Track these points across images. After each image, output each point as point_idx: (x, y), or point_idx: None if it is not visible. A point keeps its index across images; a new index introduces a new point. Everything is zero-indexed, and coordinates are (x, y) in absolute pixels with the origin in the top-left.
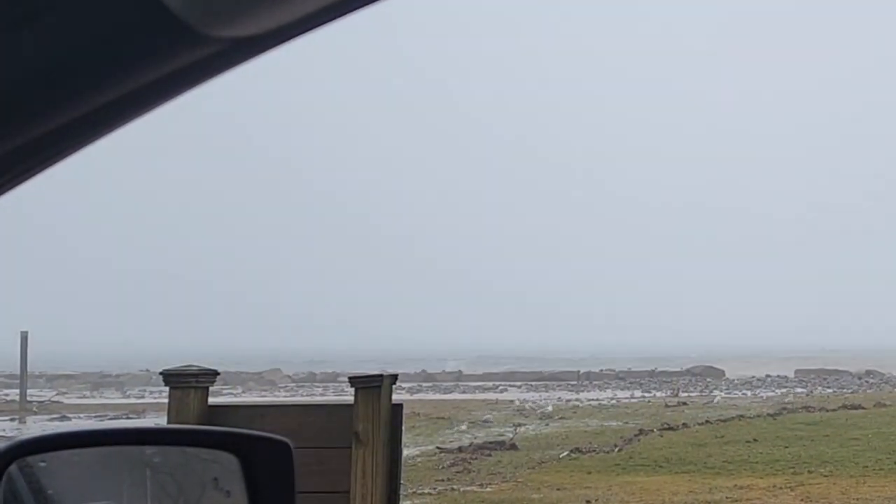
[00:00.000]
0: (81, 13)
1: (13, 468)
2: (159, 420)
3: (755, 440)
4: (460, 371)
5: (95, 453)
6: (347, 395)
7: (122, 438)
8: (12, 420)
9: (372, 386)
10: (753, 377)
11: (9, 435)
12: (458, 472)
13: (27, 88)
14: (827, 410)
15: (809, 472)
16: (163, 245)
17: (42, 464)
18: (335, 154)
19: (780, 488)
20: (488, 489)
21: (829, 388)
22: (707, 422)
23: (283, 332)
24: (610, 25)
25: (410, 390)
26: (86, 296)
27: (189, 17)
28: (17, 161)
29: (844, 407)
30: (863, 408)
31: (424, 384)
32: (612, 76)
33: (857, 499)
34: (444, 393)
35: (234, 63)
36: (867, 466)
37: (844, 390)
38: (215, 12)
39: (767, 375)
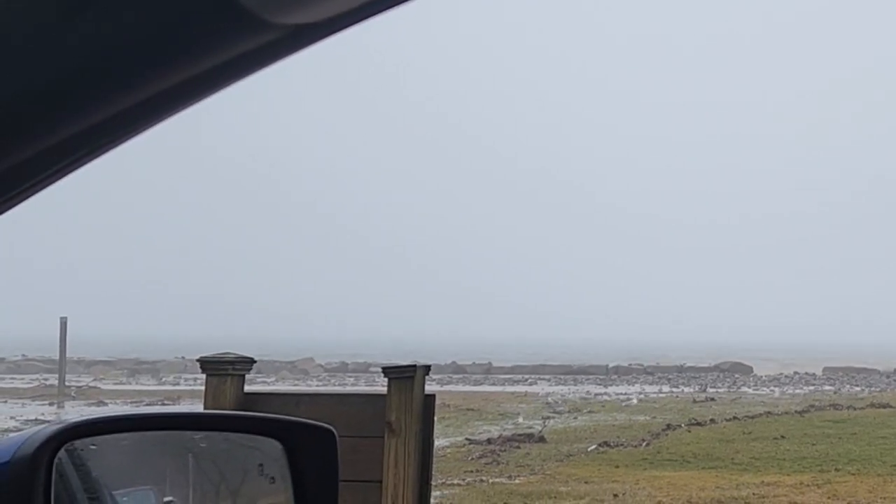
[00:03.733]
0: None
1: (60, 451)
2: (195, 407)
3: (783, 437)
4: (490, 363)
5: (140, 437)
6: (379, 386)
7: (169, 423)
8: (51, 405)
9: (405, 376)
10: (781, 374)
11: (49, 420)
12: (487, 464)
13: (87, 75)
14: (855, 408)
15: (837, 469)
16: (200, 238)
17: (93, 447)
18: (371, 163)
19: (807, 486)
20: (517, 481)
21: (857, 385)
22: (735, 418)
23: (315, 322)
24: (599, 36)
25: (441, 381)
26: (124, 285)
27: (250, 3)
28: (77, 146)
29: (872, 405)
30: (891, 406)
31: (455, 376)
32: (610, 88)
33: (885, 497)
34: (474, 385)
35: (293, 50)
36: (894, 465)
37: (872, 388)
38: None
39: (795, 372)
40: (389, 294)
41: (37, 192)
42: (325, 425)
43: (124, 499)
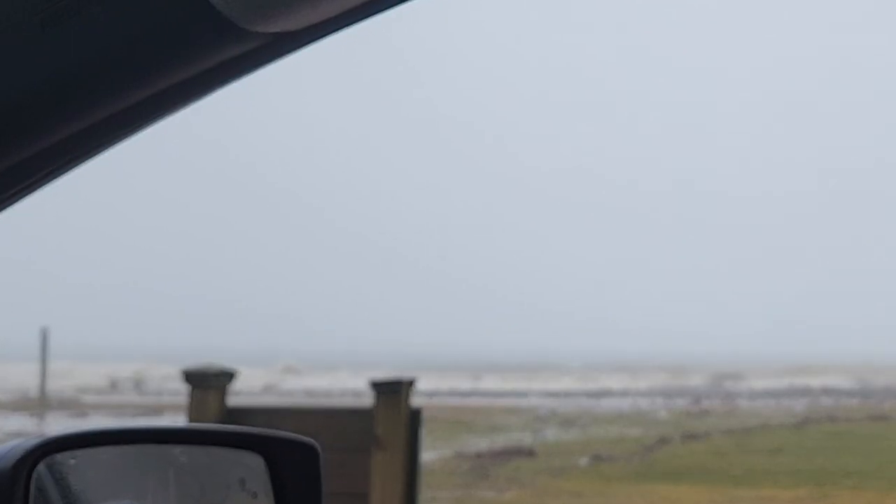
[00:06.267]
0: (124, 8)
1: (40, 465)
2: (177, 420)
3: (779, 450)
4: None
5: (121, 451)
6: (367, 400)
7: (150, 437)
8: (32, 417)
9: (392, 391)
10: (777, 386)
11: (31, 431)
12: (476, 478)
13: (69, 82)
14: (852, 421)
15: (834, 483)
16: (193, 242)
17: (72, 461)
18: (365, 164)
19: (804, 500)
20: (507, 495)
21: (854, 398)
22: (730, 431)
23: (300, 334)
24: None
25: (429, 394)
26: (105, 295)
27: (231, 12)
28: (57, 154)
29: (870, 418)
30: (888, 419)
31: (442, 388)
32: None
33: None
34: (463, 397)
35: (273, 58)
36: (892, 478)
37: (870, 401)
38: (257, 8)
39: (791, 385)
40: (380, 303)
41: (25, 196)
42: (308, 440)
43: None
